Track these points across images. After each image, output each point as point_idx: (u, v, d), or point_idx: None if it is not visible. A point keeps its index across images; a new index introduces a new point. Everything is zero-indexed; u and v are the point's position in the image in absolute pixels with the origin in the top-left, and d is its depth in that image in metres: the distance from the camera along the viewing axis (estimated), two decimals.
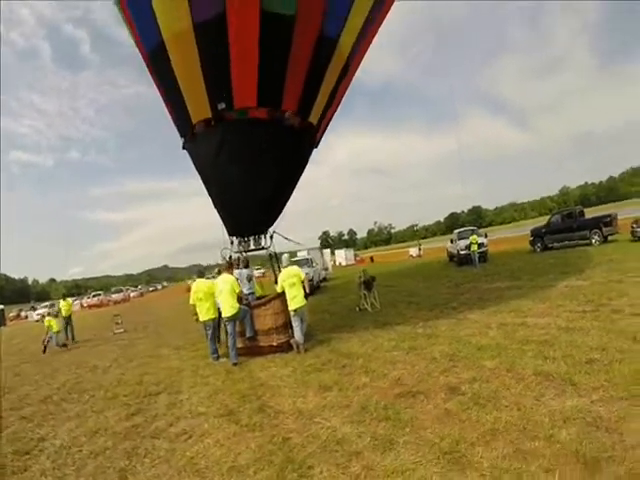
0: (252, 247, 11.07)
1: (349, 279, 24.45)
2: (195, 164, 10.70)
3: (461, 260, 23.67)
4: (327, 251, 43.22)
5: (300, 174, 11.01)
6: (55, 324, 16.77)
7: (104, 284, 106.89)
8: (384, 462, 3.76)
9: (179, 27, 8.49)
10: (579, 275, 12.87)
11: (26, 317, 56.55)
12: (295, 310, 8.99)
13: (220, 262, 11.16)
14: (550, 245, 24.11)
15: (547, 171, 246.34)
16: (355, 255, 63.02)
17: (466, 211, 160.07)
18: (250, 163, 9.62)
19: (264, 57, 8.65)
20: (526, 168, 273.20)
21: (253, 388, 7.09)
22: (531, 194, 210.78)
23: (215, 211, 10.83)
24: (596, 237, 21.81)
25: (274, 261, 11.41)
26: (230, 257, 10.89)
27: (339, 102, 11.17)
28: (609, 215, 22.62)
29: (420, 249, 48.48)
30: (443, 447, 3.80)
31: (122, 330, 19.40)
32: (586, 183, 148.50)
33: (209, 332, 9.52)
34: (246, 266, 10.70)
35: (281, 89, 9.20)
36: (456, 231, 27.63)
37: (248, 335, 9.33)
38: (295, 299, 9.02)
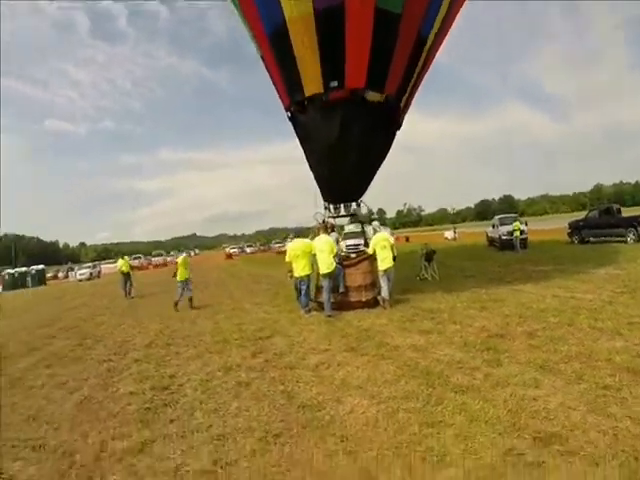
0: (342, 213, 12.78)
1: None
2: (300, 133, 12.32)
3: (503, 245, 24.97)
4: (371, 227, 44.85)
5: (387, 152, 12.67)
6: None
7: (133, 249, 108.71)
8: (498, 372, 5.38)
9: (302, 11, 10.09)
10: (616, 266, 14.37)
11: (66, 277, 59.41)
12: (385, 270, 10.43)
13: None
14: (587, 239, 25.13)
15: (581, 167, 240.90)
16: (392, 233, 64.15)
17: (497, 199, 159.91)
18: (352, 138, 11.16)
19: (375, 46, 10.35)
20: (560, 162, 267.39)
21: (361, 332, 8.16)
22: (564, 188, 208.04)
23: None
24: (631, 235, 22.47)
25: (362, 227, 13.16)
26: (324, 221, 12.40)
27: (418, 89, 12.77)
28: None
29: (455, 232, 49.16)
30: (537, 363, 5.59)
31: None
32: (621, 182, 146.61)
33: (303, 287, 10.63)
34: (332, 230, 12.13)
35: (385, 75, 10.89)
36: (497, 217, 29.10)
37: (341, 291, 10.79)
38: (385, 260, 10.47)
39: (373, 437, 4.00)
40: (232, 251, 63.17)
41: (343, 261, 11.26)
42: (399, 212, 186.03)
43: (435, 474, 3.32)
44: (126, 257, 22.45)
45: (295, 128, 12.40)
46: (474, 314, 8.94)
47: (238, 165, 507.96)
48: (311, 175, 12.75)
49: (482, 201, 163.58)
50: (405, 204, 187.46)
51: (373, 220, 13.30)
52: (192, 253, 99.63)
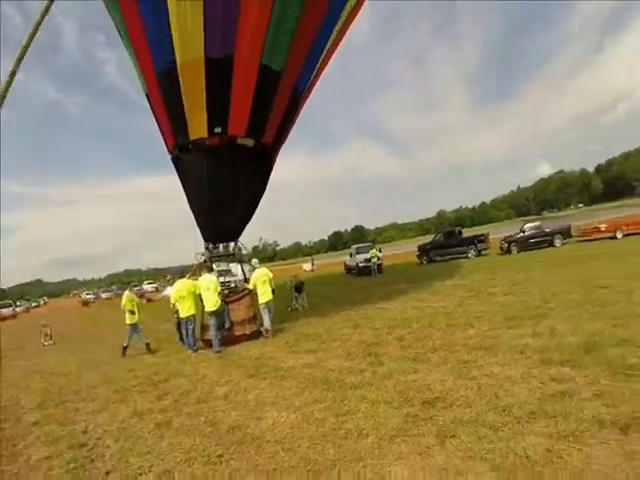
0: (221, 252, 13.20)
1: None
2: (182, 174, 12.62)
3: (361, 271, 27.26)
4: (251, 265, 45.18)
5: (263, 193, 13.50)
6: None
7: None
8: (382, 369, 6.47)
9: (194, 57, 10.51)
10: (461, 277, 17.00)
11: None
12: (266, 302, 11.12)
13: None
14: (434, 258, 29.15)
15: (425, 197, 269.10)
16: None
17: (349, 230, 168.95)
18: (231, 181, 11.90)
19: (256, 99, 11.22)
20: (405, 193, 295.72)
21: (254, 361, 8.56)
22: (409, 216, 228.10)
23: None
24: (472, 251, 27.38)
25: (241, 264, 13.66)
26: (205, 260, 12.73)
27: (287, 136, 13.97)
28: (482, 234, 28.59)
29: (313, 264, 51.10)
30: (410, 357, 6.84)
31: (52, 342, 17.83)
32: (461, 207, 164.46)
33: (190, 327, 10.64)
34: (211, 269, 12.46)
35: (264, 125, 11.88)
36: (354, 246, 31.65)
37: (226, 326, 11.09)
38: (266, 294, 11.16)
39: (302, 434, 4.68)
40: (87, 297, 58.36)
41: (226, 298, 11.62)
42: (255, 247, 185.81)
43: (357, 444, 4.20)
44: None
45: (177, 169, 12.70)
46: (349, 331, 9.98)
47: (86, 202, 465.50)
48: (172, 215, 13.13)
49: (335, 233, 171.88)
50: (261, 239, 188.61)
51: (251, 258, 13.96)
52: (41, 302, 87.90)
